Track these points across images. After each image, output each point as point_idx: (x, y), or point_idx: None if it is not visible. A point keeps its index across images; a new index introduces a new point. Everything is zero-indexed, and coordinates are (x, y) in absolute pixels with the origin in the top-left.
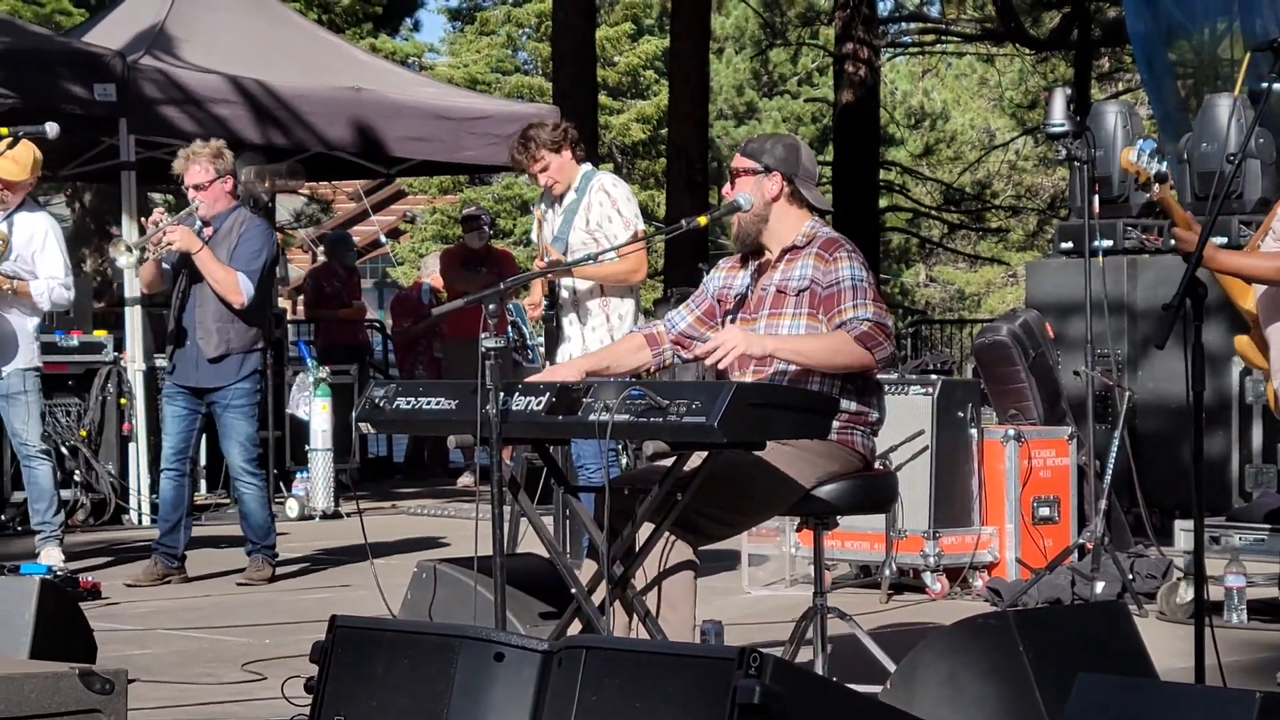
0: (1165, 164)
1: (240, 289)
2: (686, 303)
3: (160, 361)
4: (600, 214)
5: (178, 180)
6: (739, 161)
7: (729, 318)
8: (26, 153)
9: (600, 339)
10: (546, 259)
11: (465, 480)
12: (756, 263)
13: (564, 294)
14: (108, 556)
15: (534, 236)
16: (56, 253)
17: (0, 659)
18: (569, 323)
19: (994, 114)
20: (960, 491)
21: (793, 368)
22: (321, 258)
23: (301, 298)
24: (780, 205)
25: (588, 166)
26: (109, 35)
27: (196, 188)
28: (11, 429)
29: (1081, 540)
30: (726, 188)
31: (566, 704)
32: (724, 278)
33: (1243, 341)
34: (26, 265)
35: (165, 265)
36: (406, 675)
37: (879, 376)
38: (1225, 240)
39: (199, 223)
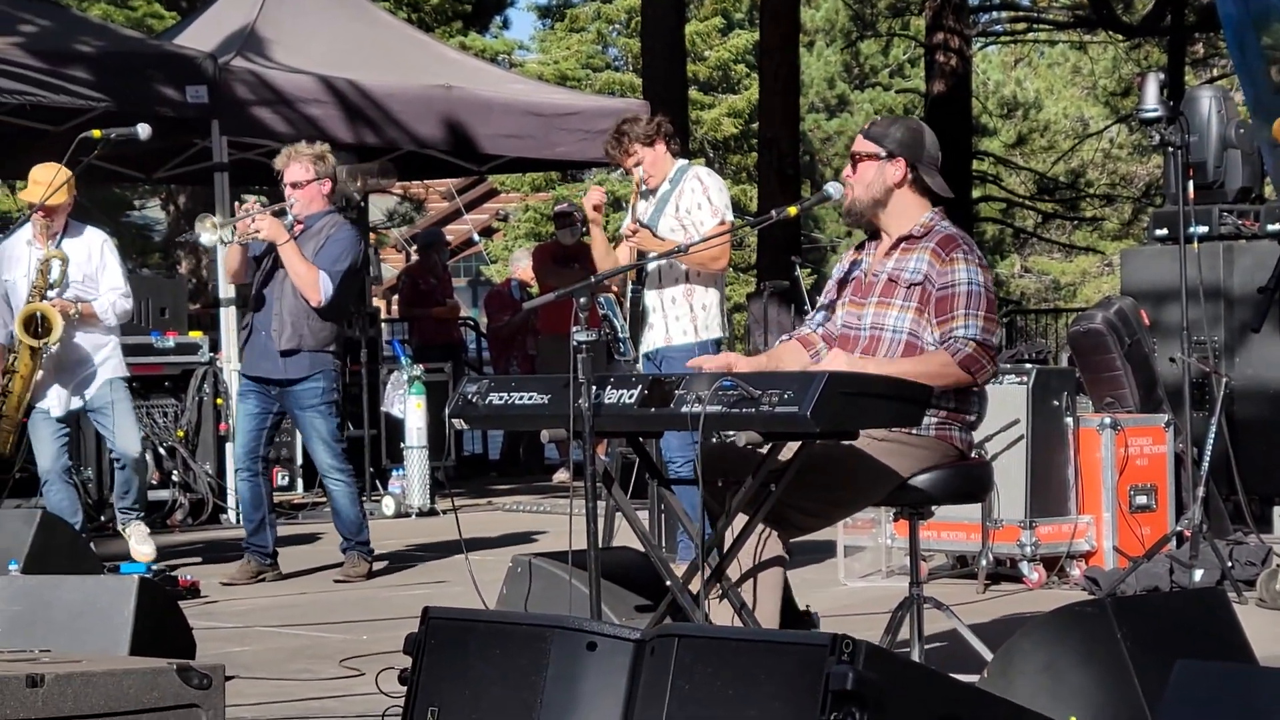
0: None
1: (319, 287)
2: (821, 300)
3: None
4: (691, 200)
5: (276, 176)
6: (860, 145)
7: (839, 301)
8: (61, 175)
9: (684, 329)
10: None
11: (561, 476)
12: (874, 246)
13: (650, 269)
14: (205, 555)
15: (628, 211)
16: (115, 264)
17: (100, 655)
18: (653, 308)
19: (1087, 102)
20: (1056, 480)
21: (901, 346)
22: (415, 256)
23: (396, 297)
24: (902, 192)
25: (683, 160)
26: (200, 38)
27: (294, 185)
28: (110, 441)
29: (1179, 528)
30: (847, 170)
31: (659, 692)
32: (845, 264)
33: None
34: (93, 281)
35: (251, 257)
36: (500, 665)
37: None
38: None
39: (291, 219)
